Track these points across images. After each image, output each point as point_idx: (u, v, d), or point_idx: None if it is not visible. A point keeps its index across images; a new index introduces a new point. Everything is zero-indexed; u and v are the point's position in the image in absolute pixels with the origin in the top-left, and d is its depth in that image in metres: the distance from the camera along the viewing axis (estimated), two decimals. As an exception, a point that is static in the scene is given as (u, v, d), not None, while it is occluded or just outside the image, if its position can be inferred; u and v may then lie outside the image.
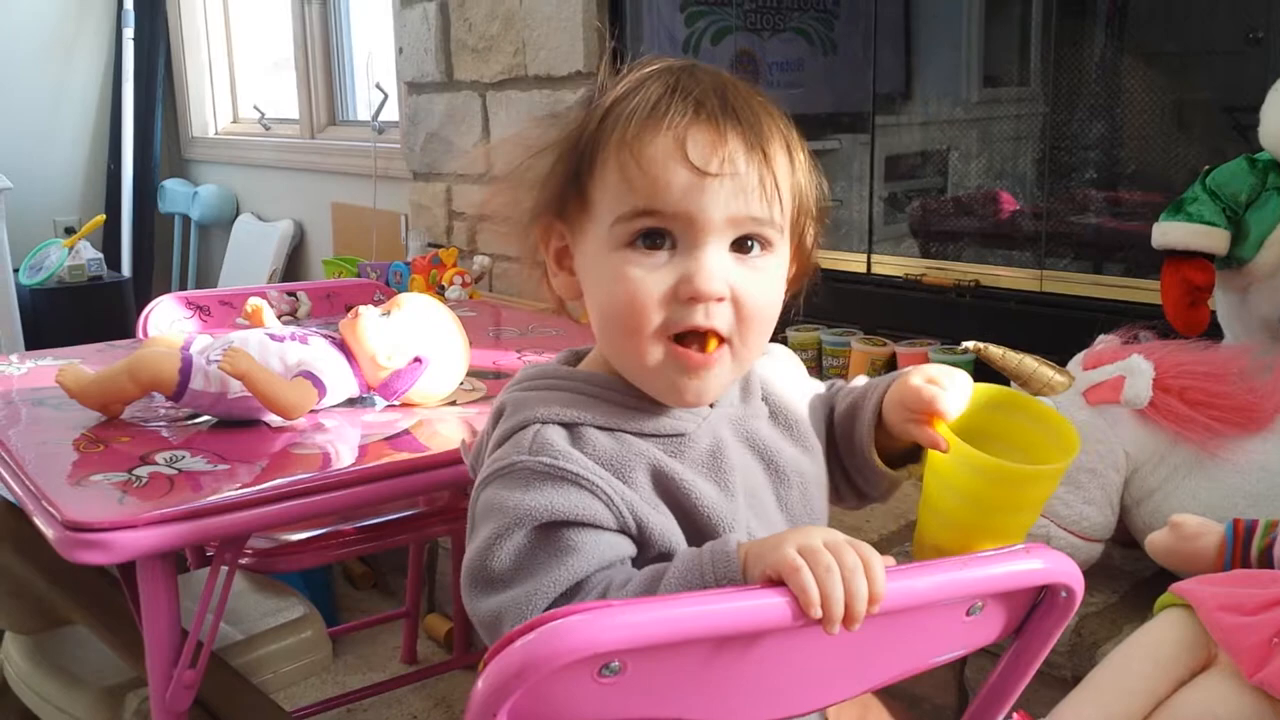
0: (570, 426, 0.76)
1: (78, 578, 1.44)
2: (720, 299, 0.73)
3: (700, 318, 0.73)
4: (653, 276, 0.73)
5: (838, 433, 0.87)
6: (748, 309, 0.74)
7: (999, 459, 0.76)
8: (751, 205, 0.73)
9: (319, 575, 2.23)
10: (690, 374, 0.75)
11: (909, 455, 0.84)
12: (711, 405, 0.81)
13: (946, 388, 0.78)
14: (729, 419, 0.81)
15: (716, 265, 0.73)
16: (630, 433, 0.77)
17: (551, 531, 0.72)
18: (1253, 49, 1.65)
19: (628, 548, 0.74)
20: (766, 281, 0.76)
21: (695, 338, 0.74)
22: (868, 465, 0.84)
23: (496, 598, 0.72)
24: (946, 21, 2.26)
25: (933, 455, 0.79)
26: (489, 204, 0.82)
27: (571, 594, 0.71)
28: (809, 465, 0.84)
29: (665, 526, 0.75)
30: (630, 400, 0.78)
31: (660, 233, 0.73)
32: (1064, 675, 1.16)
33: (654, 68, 0.77)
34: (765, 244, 0.76)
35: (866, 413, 0.83)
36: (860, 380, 0.90)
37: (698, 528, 0.76)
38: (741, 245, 0.75)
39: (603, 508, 0.73)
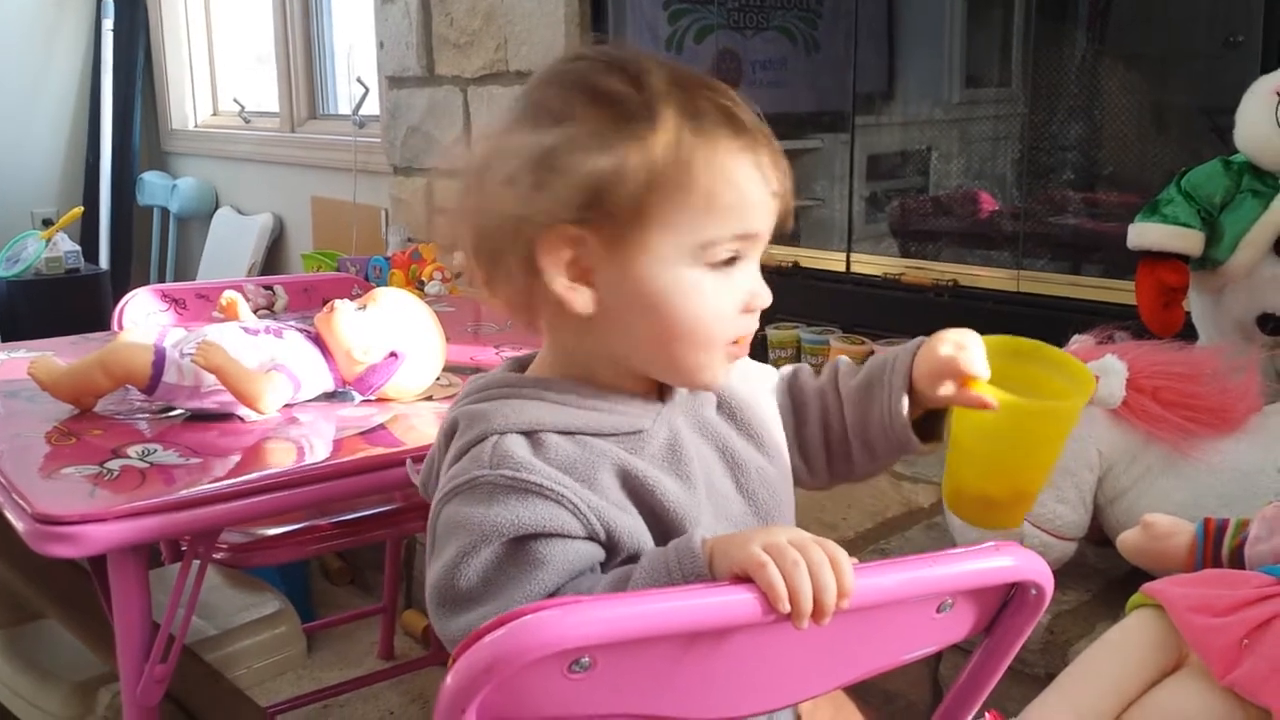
0: (529, 434, 0.75)
1: (49, 571, 1.44)
2: None
3: (754, 324, 0.78)
4: (727, 292, 0.75)
5: (848, 413, 0.87)
6: None
7: (1041, 400, 0.80)
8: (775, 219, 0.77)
9: (296, 570, 2.22)
10: (728, 364, 0.78)
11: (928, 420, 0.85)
12: (663, 400, 0.81)
13: (972, 349, 0.80)
14: (681, 410, 0.81)
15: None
16: (589, 434, 0.76)
17: (519, 545, 0.71)
18: (1232, 52, 1.66)
19: (597, 554, 0.74)
20: None
21: None
22: (894, 440, 0.84)
23: (466, 616, 0.72)
24: (929, 22, 2.26)
25: (964, 413, 0.82)
26: (451, 199, 0.74)
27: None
28: (755, 451, 0.84)
29: (633, 527, 0.75)
30: (586, 402, 0.77)
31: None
32: (1037, 673, 1.17)
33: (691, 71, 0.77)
34: None
35: (895, 389, 0.83)
36: (843, 360, 0.91)
37: (663, 523, 0.76)
38: None
39: (569, 516, 0.72)
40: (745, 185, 0.74)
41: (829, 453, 0.89)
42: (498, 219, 0.74)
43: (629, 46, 0.80)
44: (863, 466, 0.89)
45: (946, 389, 0.81)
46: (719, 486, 0.81)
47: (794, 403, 0.90)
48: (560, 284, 0.73)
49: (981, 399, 0.79)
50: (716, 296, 0.75)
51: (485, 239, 0.76)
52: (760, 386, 0.88)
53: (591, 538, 0.73)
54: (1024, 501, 0.87)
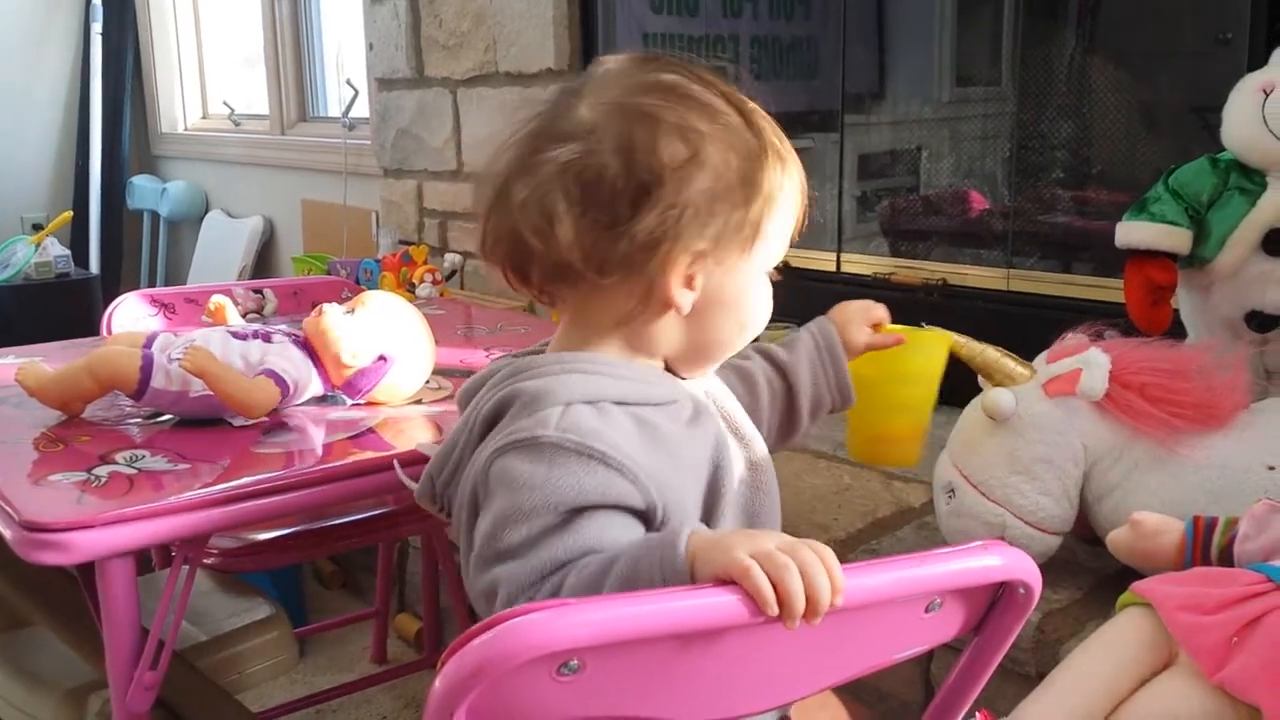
0: (594, 404, 0.78)
1: (38, 578, 1.43)
2: None
3: None
4: (769, 289, 0.88)
5: (800, 384, 1.02)
6: None
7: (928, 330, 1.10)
8: None
9: (288, 575, 2.21)
10: None
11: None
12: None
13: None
14: (692, 387, 0.88)
15: None
16: (638, 404, 0.80)
17: (574, 516, 0.74)
18: (1221, 50, 1.67)
19: (639, 529, 0.76)
20: None
21: None
22: (838, 397, 1.04)
23: (492, 572, 0.74)
24: (919, 20, 2.26)
25: (871, 361, 1.06)
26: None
27: (559, 570, 0.72)
28: (738, 435, 0.92)
29: (684, 495, 0.79)
30: (633, 375, 0.82)
31: None
32: (1028, 672, 1.17)
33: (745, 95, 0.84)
34: None
35: (837, 351, 1.04)
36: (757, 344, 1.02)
37: (707, 484, 0.83)
38: None
39: (629, 486, 0.75)
40: (801, 198, 0.86)
41: (772, 425, 1.01)
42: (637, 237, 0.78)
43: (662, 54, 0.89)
44: (799, 431, 1.04)
45: (864, 336, 1.05)
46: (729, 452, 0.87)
47: (744, 387, 0.99)
48: (675, 291, 0.81)
49: (897, 336, 1.06)
50: (768, 294, 0.88)
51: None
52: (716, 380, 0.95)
53: (648, 508, 0.76)
54: (920, 436, 1.12)
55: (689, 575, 0.67)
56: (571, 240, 0.78)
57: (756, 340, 0.92)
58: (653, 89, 0.80)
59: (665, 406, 0.82)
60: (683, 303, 0.81)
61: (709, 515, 0.83)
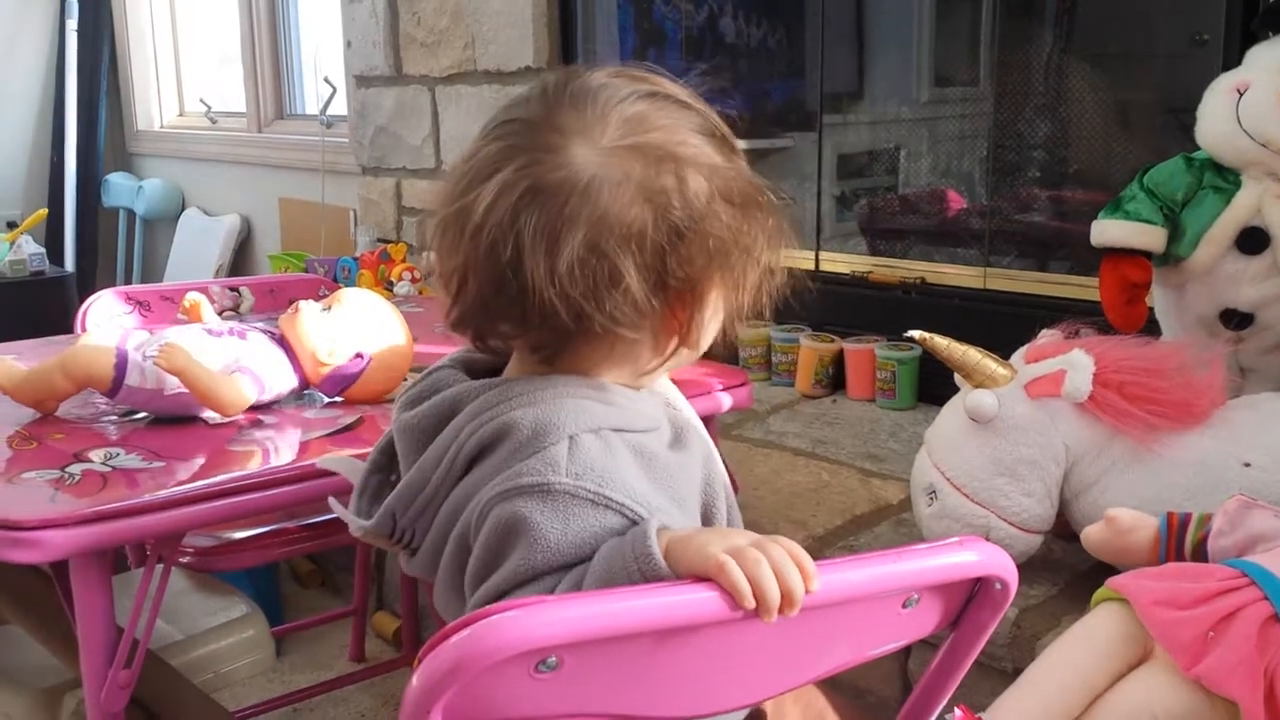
0: (596, 433, 0.73)
1: (12, 577, 1.42)
2: None
3: None
4: None
5: None
6: None
7: None
8: None
9: (265, 574, 2.20)
10: None
11: None
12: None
13: None
14: (658, 400, 0.85)
15: None
16: (628, 430, 0.75)
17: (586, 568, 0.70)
18: (1198, 50, 1.68)
19: None
20: None
21: None
22: None
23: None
24: (898, 21, 2.27)
25: None
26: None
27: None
28: None
29: (687, 521, 0.76)
30: (618, 399, 0.77)
31: None
32: (1004, 667, 1.17)
33: None
34: None
35: None
36: None
37: (701, 507, 0.80)
38: None
39: None
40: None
41: None
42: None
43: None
44: None
45: None
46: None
47: None
48: (681, 320, 0.76)
49: None
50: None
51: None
52: None
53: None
54: None
55: (663, 567, 0.66)
56: (639, 298, 0.72)
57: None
58: (656, 123, 0.74)
59: (652, 432, 0.77)
60: (694, 324, 0.77)
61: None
